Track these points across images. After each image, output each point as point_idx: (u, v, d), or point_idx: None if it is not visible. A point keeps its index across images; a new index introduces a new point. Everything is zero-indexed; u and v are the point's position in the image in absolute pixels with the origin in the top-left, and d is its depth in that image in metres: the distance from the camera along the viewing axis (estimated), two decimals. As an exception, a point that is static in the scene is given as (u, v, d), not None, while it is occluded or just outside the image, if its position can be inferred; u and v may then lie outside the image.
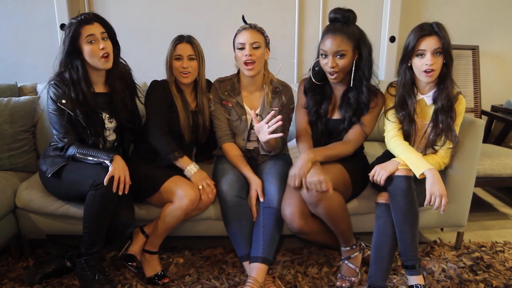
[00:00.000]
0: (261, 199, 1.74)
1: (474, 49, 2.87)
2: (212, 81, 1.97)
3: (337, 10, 1.64)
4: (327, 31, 1.64)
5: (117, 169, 1.58)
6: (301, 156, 1.60)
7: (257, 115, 1.86)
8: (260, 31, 1.79)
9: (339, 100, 1.76)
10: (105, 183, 1.54)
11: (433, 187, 1.54)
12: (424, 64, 1.58)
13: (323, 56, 1.65)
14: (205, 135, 1.95)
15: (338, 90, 1.77)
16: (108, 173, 1.56)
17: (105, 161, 1.61)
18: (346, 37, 1.61)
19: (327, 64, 1.64)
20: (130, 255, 1.78)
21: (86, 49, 1.62)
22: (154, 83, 1.86)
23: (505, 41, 2.99)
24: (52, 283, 1.74)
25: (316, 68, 1.76)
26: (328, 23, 1.68)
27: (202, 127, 1.91)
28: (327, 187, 1.52)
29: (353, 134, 1.72)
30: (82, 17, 1.63)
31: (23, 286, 1.73)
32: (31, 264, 1.85)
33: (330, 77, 1.68)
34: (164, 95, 1.82)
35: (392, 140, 1.69)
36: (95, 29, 1.63)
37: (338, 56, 1.62)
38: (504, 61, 3.04)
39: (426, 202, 1.57)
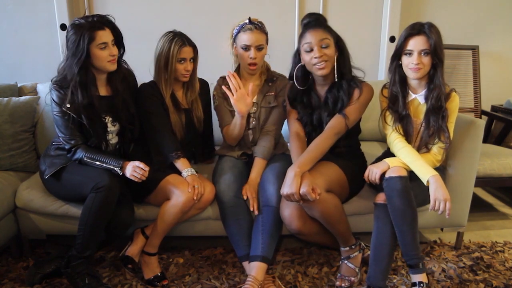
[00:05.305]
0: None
1: (474, 49, 2.87)
2: (209, 81, 2.04)
3: (310, 14, 1.70)
4: (306, 29, 1.65)
5: (133, 171, 1.61)
6: (288, 173, 1.55)
7: (254, 102, 1.89)
8: (263, 29, 1.81)
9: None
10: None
11: (437, 193, 1.53)
12: (411, 63, 1.61)
13: (307, 51, 1.64)
14: (201, 126, 1.97)
15: (322, 94, 1.75)
16: (129, 176, 1.60)
17: (115, 168, 1.61)
18: (327, 30, 1.65)
19: (313, 56, 1.63)
20: (127, 257, 1.78)
21: (96, 53, 1.62)
22: (145, 86, 1.85)
23: (505, 41, 2.99)
24: (52, 283, 1.74)
25: (293, 79, 1.75)
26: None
27: (197, 120, 1.93)
28: (313, 197, 1.49)
29: (332, 122, 1.68)
30: (95, 19, 1.61)
31: (23, 286, 1.73)
32: (31, 264, 1.85)
33: (318, 70, 1.64)
34: (157, 96, 1.83)
35: (395, 142, 1.68)
36: (108, 36, 1.63)
37: (323, 46, 1.62)
38: (504, 61, 3.04)
39: (430, 208, 1.55)
